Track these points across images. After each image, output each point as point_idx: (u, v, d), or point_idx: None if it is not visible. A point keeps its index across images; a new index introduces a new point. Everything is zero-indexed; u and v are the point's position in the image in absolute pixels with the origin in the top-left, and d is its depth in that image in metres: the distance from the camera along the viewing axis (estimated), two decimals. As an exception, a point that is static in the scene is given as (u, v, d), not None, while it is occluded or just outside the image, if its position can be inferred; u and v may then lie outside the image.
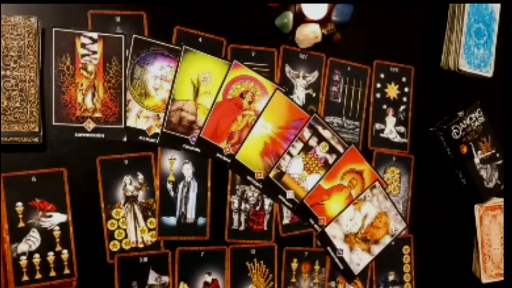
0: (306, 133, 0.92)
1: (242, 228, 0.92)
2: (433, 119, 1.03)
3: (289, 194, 0.93)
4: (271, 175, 0.91)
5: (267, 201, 0.93)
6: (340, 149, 0.94)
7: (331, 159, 0.93)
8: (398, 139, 1.01)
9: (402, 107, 1.01)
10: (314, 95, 0.95)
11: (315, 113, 0.92)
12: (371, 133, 0.99)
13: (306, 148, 0.92)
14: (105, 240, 0.86)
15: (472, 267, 1.09)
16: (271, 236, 0.93)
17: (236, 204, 0.92)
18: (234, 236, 0.91)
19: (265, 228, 0.93)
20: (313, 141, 0.92)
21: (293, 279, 0.95)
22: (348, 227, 0.96)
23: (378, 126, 1.00)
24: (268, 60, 0.92)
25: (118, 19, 0.85)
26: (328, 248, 0.96)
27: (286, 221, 0.94)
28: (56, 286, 0.83)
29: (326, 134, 0.93)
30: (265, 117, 0.90)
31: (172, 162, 0.88)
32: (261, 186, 0.92)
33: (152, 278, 0.87)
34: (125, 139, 0.86)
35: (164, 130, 0.87)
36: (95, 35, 0.83)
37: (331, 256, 0.96)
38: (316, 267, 0.96)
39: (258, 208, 0.93)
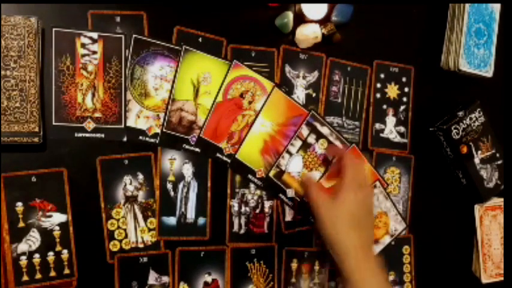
0: (304, 130, 0.92)
1: (242, 231, 0.92)
2: (433, 119, 1.03)
3: (290, 193, 0.93)
4: (271, 174, 0.91)
5: (267, 204, 0.93)
6: (339, 145, 0.94)
7: (330, 156, 0.93)
8: (398, 139, 1.01)
9: (402, 107, 1.01)
10: (314, 95, 0.95)
11: (312, 110, 0.92)
12: (371, 133, 0.99)
13: (305, 146, 0.92)
14: (105, 240, 0.86)
15: (472, 267, 1.09)
16: (271, 239, 0.93)
17: (236, 208, 0.91)
18: (234, 239, 0.91)
19: (266, 231, 0.93)
20: (311, 139, 0.92)
21: (293, 280, 0.95)
22: (348, 227, 0.96)
23: (378, 126, 1.00)
24: (268, 60, 0.92)
25: (118, 19, 0.85)
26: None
27: (288, 218, 0.94)
28: (56, 286, 0.83)
29: (324, 130, 0.93)
30: (263, 115, 0.90)
31: (172, 162, 0.88)
32: (262, 185, 0.91)
33: (152, 278, 0.87)
34: (125, 139, 0.86)
35: (164, 130, 0.87)
36: (95, 35, 0.83)
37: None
38: (316, 267, 0.96)
39: (258, 211, 0.92)
